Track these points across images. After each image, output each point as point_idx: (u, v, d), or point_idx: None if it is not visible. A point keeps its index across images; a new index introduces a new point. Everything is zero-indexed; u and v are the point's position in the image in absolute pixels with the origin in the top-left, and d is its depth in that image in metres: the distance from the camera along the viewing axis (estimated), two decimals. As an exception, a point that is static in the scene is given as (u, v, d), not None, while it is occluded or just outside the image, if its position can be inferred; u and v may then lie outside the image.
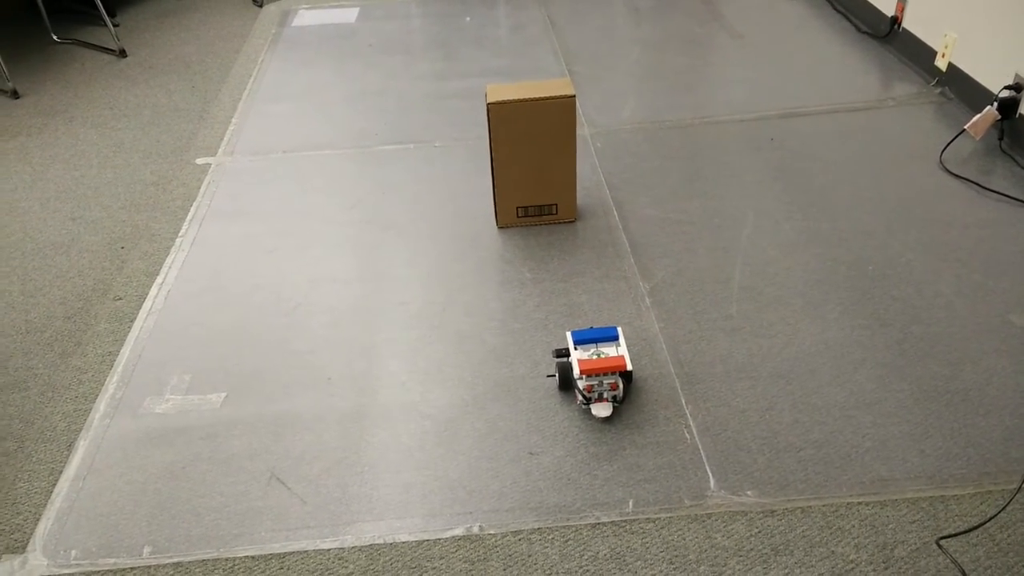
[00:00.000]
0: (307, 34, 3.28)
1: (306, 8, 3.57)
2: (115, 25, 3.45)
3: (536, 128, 1.86)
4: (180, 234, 2.07)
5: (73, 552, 1.29)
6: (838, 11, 3.12)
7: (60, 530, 1.33)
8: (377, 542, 1.29)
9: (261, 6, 3.65)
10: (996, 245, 1.83)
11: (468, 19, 3.33)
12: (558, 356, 1.53)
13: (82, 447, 1.48)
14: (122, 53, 3.21)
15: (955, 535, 1.23)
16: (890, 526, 1.26)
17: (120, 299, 1.86)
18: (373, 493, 1.36)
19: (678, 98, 2.58)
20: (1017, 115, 2.15)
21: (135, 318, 1.79)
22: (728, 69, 2.75)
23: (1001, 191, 2.01)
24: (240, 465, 1.42)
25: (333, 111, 2.64)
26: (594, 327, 1.59)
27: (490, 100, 1.82)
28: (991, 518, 1.25)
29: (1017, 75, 2.14)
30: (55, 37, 3.36)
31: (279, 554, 1.27)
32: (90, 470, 1.43)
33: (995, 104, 2.15)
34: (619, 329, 1.53)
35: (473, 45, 3.07)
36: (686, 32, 3.06)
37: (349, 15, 3.46)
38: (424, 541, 1.28)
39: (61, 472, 1.44)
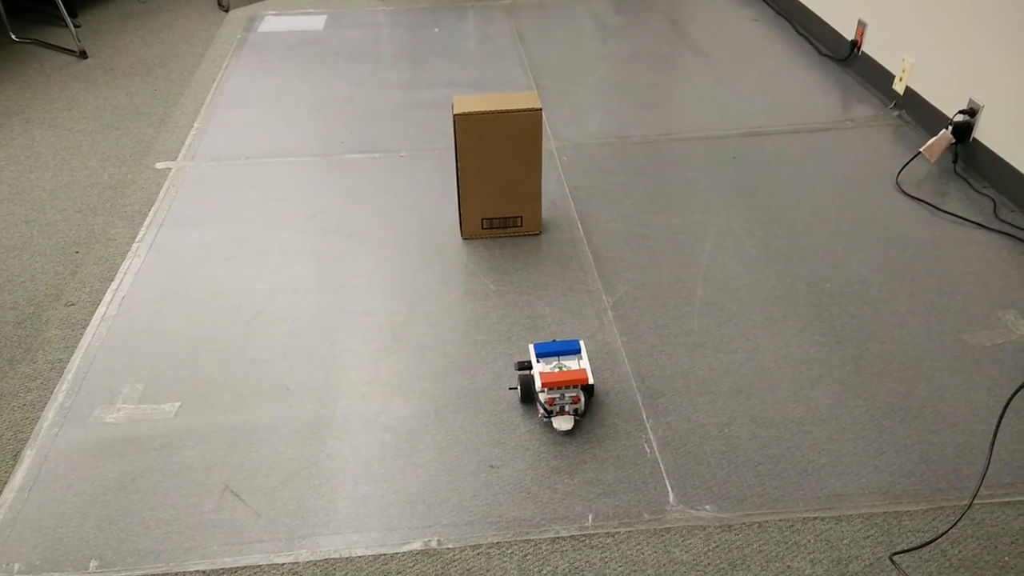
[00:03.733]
0: (273, 40, 3.25)
1: (273, 14, 3.54)
2: (76, 26, 3.38)
3: (502, 140, 1.86)
4: (137, 239, 2.03)
5: (16, 566, 1.25)
6: (800, 34, 3.19)
7: (3, 543, 1.29)
8: (333, 556, 1.26)
9: (227, 11, 3.62)
10: (949, 265, 1.87)
11: (436, 30, 3.33)
12: (520, 368, 1.53)
13: (28, 457, 1.44)
14: (82, 54, 3.15)
15: (908, 551, 1.25)
16: (845, 541, 1.27)
17: (73, 305, 1.81)
18: (330, 506, 1.34)
19: (644, 114, 2.60)
20: (971, 139, 2.21)
21: (88, 324, 1.75)
22: (693, 87, 2.79)
23: (955, 212, 2.06)
24: (193, 477, 1.39)
25: (298, 118, 2.62)
26: (557, 340, 1.59)
27: (457, 111, 1.82)
28: (943, 534, 1.27)
29: (971, 100, 2.20)
30: (13, 36, 3.29)
31: (231, 569, 1.25)
32: (36, 481, 1.39)
33: (950, 128, 2.21)
34: (581, 342, 1.53)
35: (441, 56, 3.07)
36: (652, 49, 3.09)
37: (316, 22, 3.44)
38: (381, 555, 1.27)
39: (6, 483, 1.39)
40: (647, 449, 1.43)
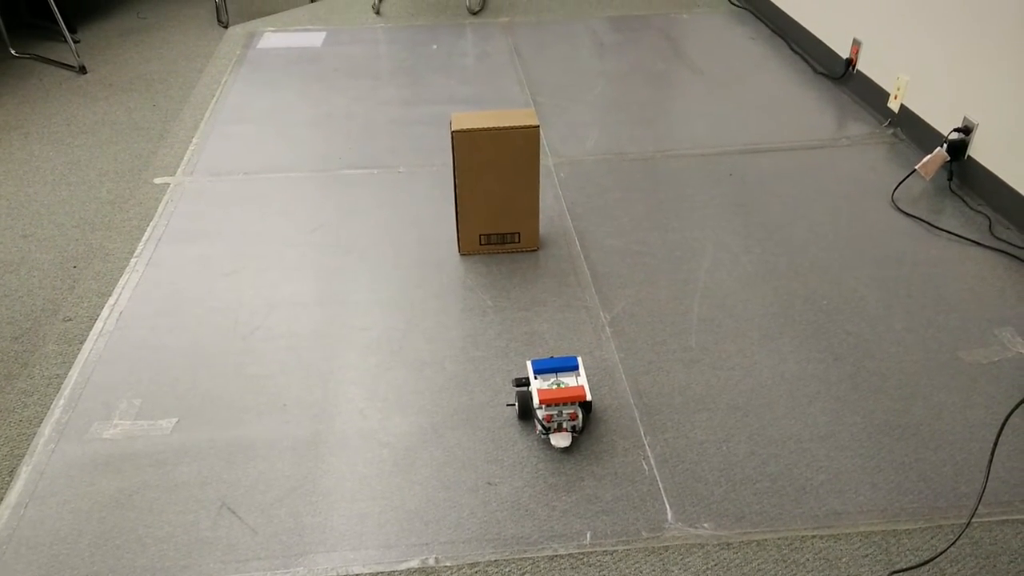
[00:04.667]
0: (272, 57, 3.27)
1: (272, 31, 3.56)
2: (76, 41, 3.40)
3: (500, 157, 1.87)
4: (135, 254, 2.03)
5: (10, 583, 1.24)
6: (795, 52, 3.21)
7: (-3, 560, 1.28)
8: (330, 574, 1.26)
9: (226, 27, 3.63)
10: (945, 283, 1.88)
11: (435, 47, 3.35)
12: (518, 385, 1.53)
13: (24, 473, 1.43)
14: (82, 69, 3.16)
15: (907, 569, 1.25)
16: (843, 560, 1.27)
17: (70, 320, 1.81)
18: (327, 523, 1.34)
19: (640, 131, 2.62)
20: (966, 157, 2.22)
21: (85, 340, 1.74)
22: (689, 104, 2.80)
23: (950, 230, 2.07)
24: (190, 493, 1.38)
25: (297, 134, 2.63)
26: (554, 357, 1.59)
27: (455, 128, 1.83)
28: (942, 553, 1.27)
29: (966, 118, 2.22)
30: (13, 51, 3.30)
31: (228, 586, 1.24)
32: (32, 497, 1.38)
33: (945, 146, 2.23)
34: (579, 359, 1.54)
35: (439, 73, 3.09)
36: (649, 67, 3.11)
37: (315, 39, 3.46)
38: (379, 573, 1.26)
39: (1, 499, 1.38)
40: (645, 466, 1.43)
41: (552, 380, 1.50)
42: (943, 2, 2.29)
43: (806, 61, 3.12)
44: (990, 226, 2.08)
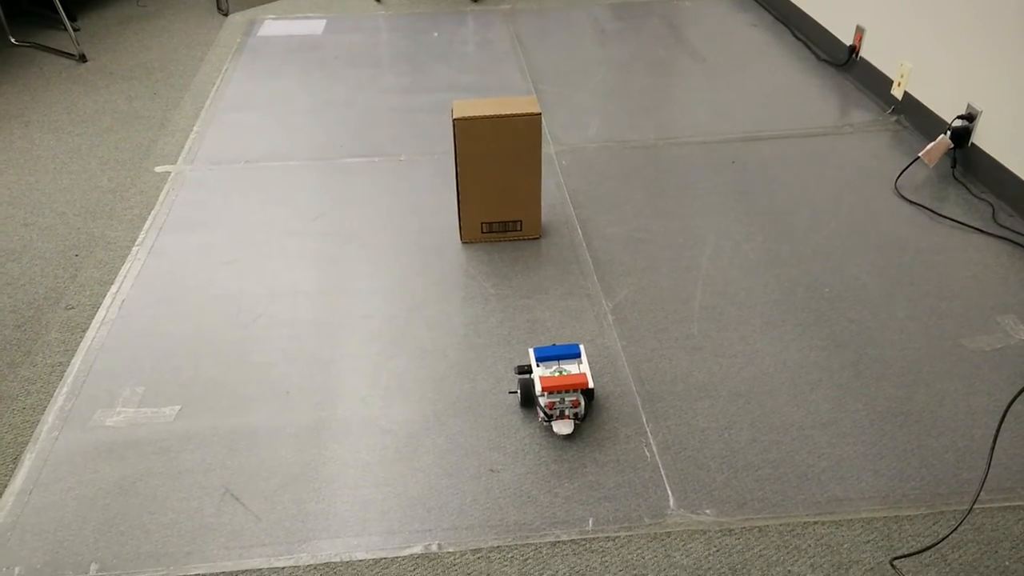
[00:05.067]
0: (273, 44, 3.26)
1: (272, 18, 3.55)
2: (75, 29, 3.39)
3: (502, 145, 1.86)
4: (137, 243, 2.03)
5: (17, 569, 1.25)
6: (798, 39, 3.20)
7: (3, 546, 1.28)
8: (333, 560, 1.26)
9: (227, 15, 3.62)
10: (948, 270, 1.88)
11: (436, 34, 3.34)
12: (520, 373, 1.53)
13: (28, 460, 1.43)
14: (82, 58, 3.15)
15: (908, 555, 1.25)
16: (845, 546, 1.27)
17: (72, 308, 1.81)
18: (330, 510, 1.34)
19: (642, 118, 2.61)
20: (969, 144, 2.22)
21: (87, 328, 1.74)
22: (691, 92, 2.79)
23: (953, 217, 2.06)
24: (193, 480, 1.39)
25: (297, 122, 2.62)
26: (556, 344, 1.60)
27: (456, 116, 1.82)
28: (943, 539, 1.27)
29: (969, 105, 2.21)
30: (13, 40, 3.29)
31: (231, 572, 1.24)
32: (36, 484, 1.39)
33: (948, 133, 2.22)
34: (581, 346, 1.54)
35: (440, 60, 3.08)
36: (650, 54, 3.10)
37: (316, 27, 3.44)
38: (381, 559, 1.26)
39: (6, 486, 1.39)
40: (647, 453, 1.43)
41: (554, 368, 1.50)
42: (947, -12, 2.28)
43: (809, 48, 3.11)
44: (993, 213, 2.07)
